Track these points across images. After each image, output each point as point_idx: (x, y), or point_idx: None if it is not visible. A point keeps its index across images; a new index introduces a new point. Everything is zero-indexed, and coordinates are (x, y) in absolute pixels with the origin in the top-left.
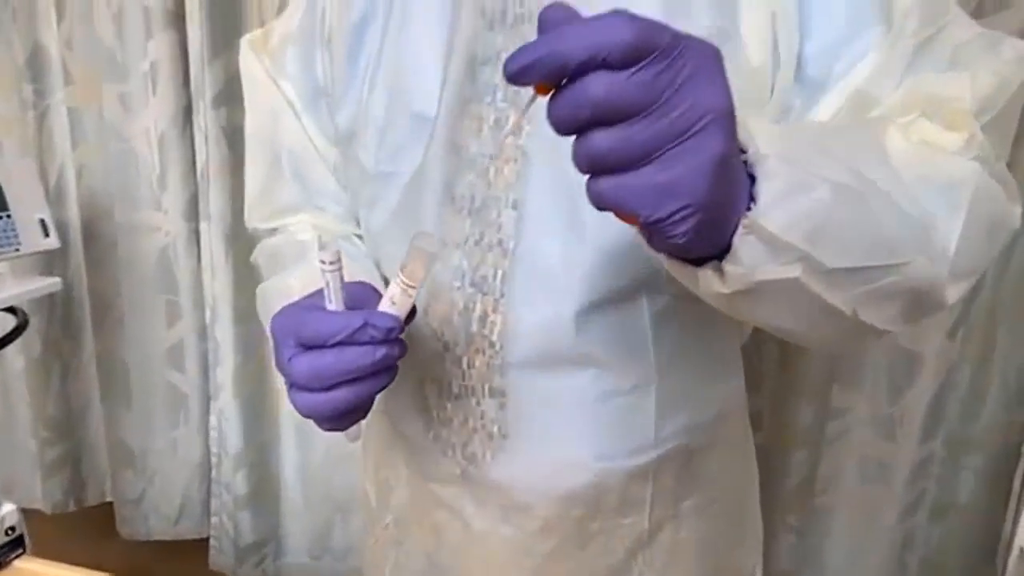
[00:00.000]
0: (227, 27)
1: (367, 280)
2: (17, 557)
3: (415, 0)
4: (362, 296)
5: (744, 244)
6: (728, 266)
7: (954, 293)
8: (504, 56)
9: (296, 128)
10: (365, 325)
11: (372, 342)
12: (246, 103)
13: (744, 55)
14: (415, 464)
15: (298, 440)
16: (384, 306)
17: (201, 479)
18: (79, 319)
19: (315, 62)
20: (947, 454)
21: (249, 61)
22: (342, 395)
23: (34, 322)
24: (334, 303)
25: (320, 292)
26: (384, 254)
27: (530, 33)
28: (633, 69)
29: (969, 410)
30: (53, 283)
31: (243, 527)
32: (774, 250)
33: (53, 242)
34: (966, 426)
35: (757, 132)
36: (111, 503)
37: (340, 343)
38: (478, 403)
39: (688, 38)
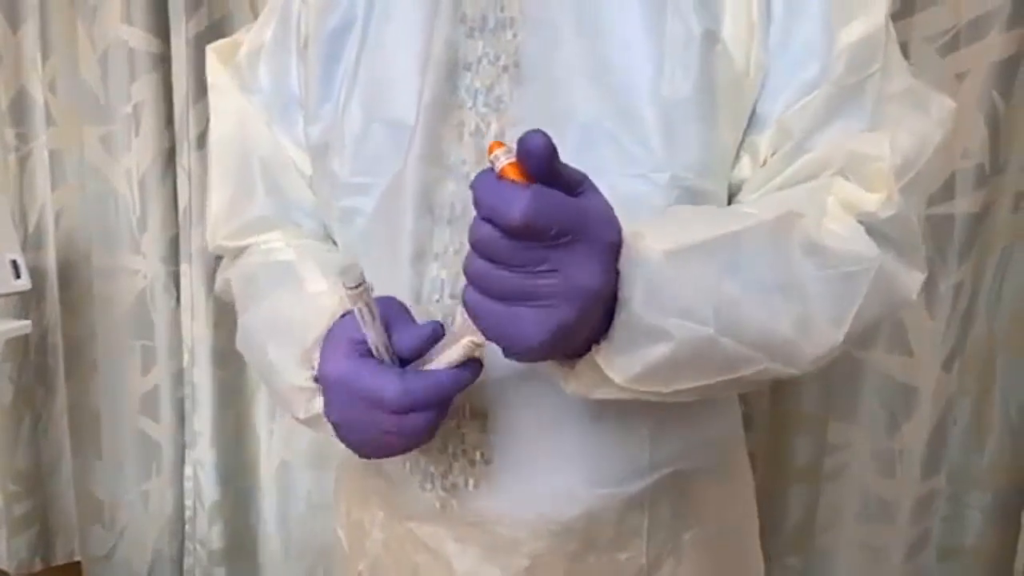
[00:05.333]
0: None
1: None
2: None
3: (395, 7)
4: (394, 314)
5: (587, 372)
6: (570, 385)
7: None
8: (485, 62)
9: (268, 137)
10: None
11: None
12: (212, 111)
13: (730, 60)
14: (391, 501)
15: (279, 487)
16: (443, 360)
17: (173, 534)
18: (53, 366)
19: (289, 73)
20: (952, 492)
21: (216, 71)
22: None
23: (7, 370)
24: (372, 333)
25: (349, 320)
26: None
27: (511, 39)
28: (510, 239)
29: (972, 445)
30: (23, 326)
31: None
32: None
33: (24, 284)
34: (970, 462)
35: (637, 263)
36: (79, 562)
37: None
38: (458, 425)
39: (586, 224)
